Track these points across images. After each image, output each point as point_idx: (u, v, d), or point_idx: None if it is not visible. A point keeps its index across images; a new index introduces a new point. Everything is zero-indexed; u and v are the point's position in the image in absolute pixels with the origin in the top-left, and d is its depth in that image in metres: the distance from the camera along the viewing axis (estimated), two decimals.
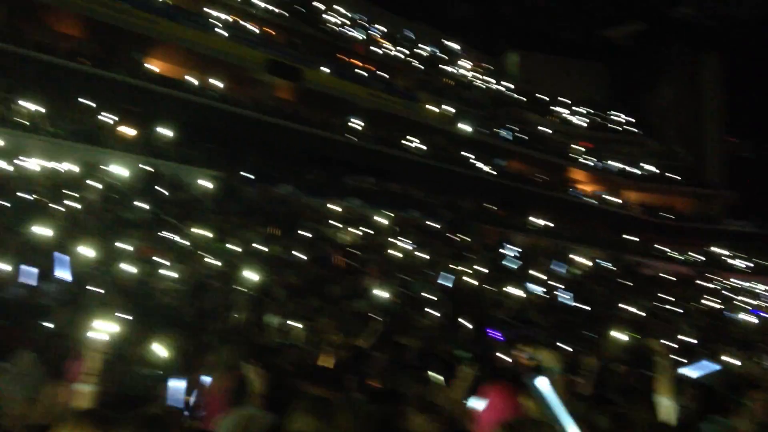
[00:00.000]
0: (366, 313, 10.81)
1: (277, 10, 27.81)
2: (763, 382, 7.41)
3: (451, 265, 15.52)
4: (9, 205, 10.74)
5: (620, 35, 40.03)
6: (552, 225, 27.57)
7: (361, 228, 16.72)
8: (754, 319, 18.36)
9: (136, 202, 13.26)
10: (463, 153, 28.79)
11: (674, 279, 24.37)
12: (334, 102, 26.09)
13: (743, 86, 39.26)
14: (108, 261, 9.00)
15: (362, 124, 25.82)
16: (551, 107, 37.65)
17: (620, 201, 34.36)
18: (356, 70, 28.23)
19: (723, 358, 11.71)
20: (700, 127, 41.22)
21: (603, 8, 37.93)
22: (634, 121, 40.43)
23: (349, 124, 25.67)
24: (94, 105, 19.07)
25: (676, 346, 12.25)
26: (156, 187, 15.19)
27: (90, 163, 15.51)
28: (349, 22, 31.32)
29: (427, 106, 29.06)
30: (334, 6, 31.16)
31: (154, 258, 10.21)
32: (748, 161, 39.13)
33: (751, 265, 31.62)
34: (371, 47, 30.75)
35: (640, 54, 40.70)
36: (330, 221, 17.05)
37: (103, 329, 4.37)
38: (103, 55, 20.67)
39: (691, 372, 6.29)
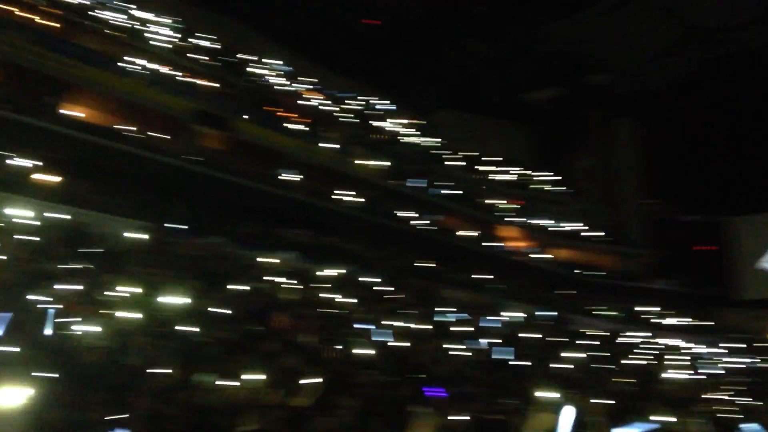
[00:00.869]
0: (304, 371, 10.39)
1: (205, 60, 27.60)
2: None
3: (388, 322, 15.27)
4: None
5: (540, 99, 41.54)
6: (485, 280, 27.77)
7: (296, 282, 16.31)
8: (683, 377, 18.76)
9: (58, 254, 12.52)
10: (396, 208, 28.79)
11: (603, 335, 24.75)
12: (265, 153, 25.72)
13: (659, 151, 41.34)
14: (28, 317, 8.36)
15: (295, 176, 25.49)
16: (480, 165, 38.38)
17: (550, 258, 35.04)
18: (286, 122, 28.02)
19: (656, 417, 11.79)
20: (618, 189, 42.80)
21: (524, 73, 39.22)
22: (560, 180, 41.63)
23: (282, 175, 25.29)
24: (11, 151, 18.04)
25: (609, 404, 12.30)
26: (80, 238, 14.40)
27: (9, 213, 14.58)
28: (279, 74, 31.39)
29: (360, 160, 29.07)
30: (264, 58, 31.22)
31: (78, 313, 9.60)
32: (670, 223, 40.89)
33: (677, 322, 32.54)
34: (302, 100, 30.77)
35: (560, 118, 42.34)
36: (265, 275, 16.56)
37: (15, 392, 3.94)
38: (20, 100, 19.70)
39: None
